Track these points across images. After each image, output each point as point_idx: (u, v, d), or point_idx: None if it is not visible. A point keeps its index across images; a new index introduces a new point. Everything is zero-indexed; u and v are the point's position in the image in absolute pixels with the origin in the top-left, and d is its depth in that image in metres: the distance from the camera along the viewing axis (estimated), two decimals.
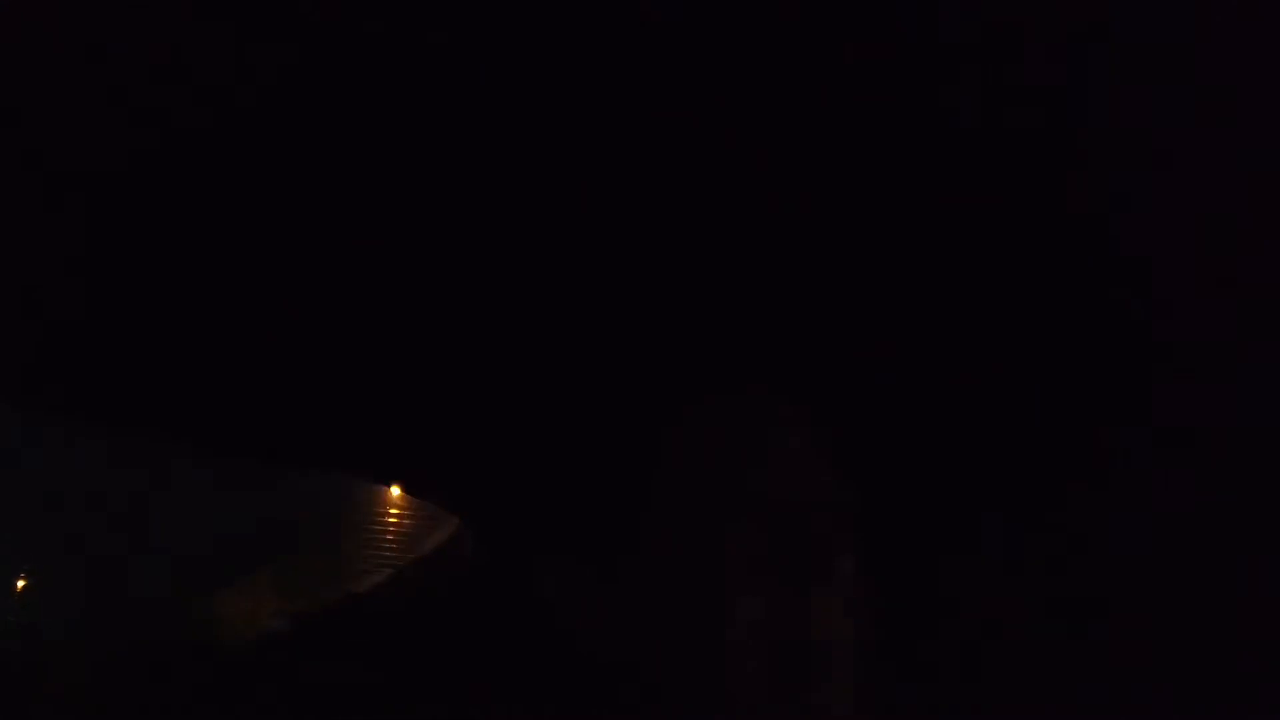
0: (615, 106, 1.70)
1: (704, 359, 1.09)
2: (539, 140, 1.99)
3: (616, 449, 1.09)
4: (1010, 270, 1.88)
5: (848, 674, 0.92)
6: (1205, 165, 1.50)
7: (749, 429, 0.96)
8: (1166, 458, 2.20)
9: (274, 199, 2.44)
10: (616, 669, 1.01)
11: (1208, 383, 1.97)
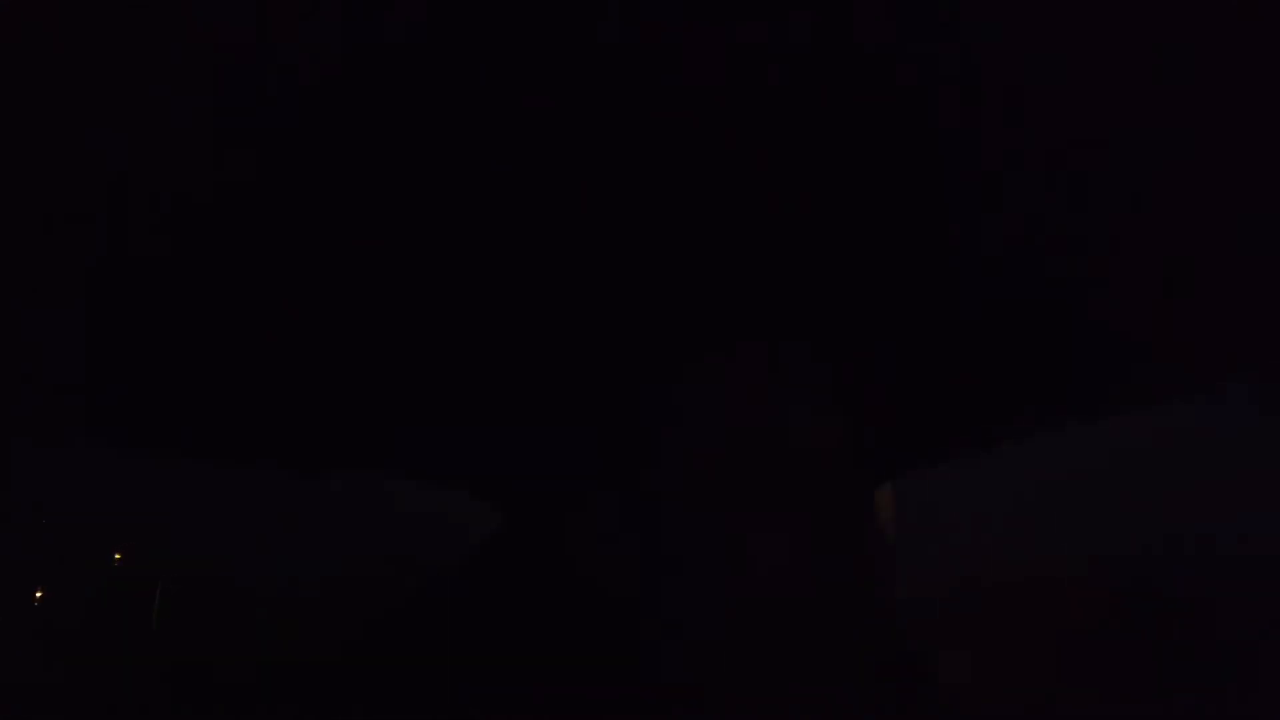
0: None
1: (714, 308, 1.03)
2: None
3: (631, 400, 1.03)
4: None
5: (860, 617, 0.85)
6: None
7: (764, 376, 0.89)
8: None
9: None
10: (638, 611, 0.95)
11: None
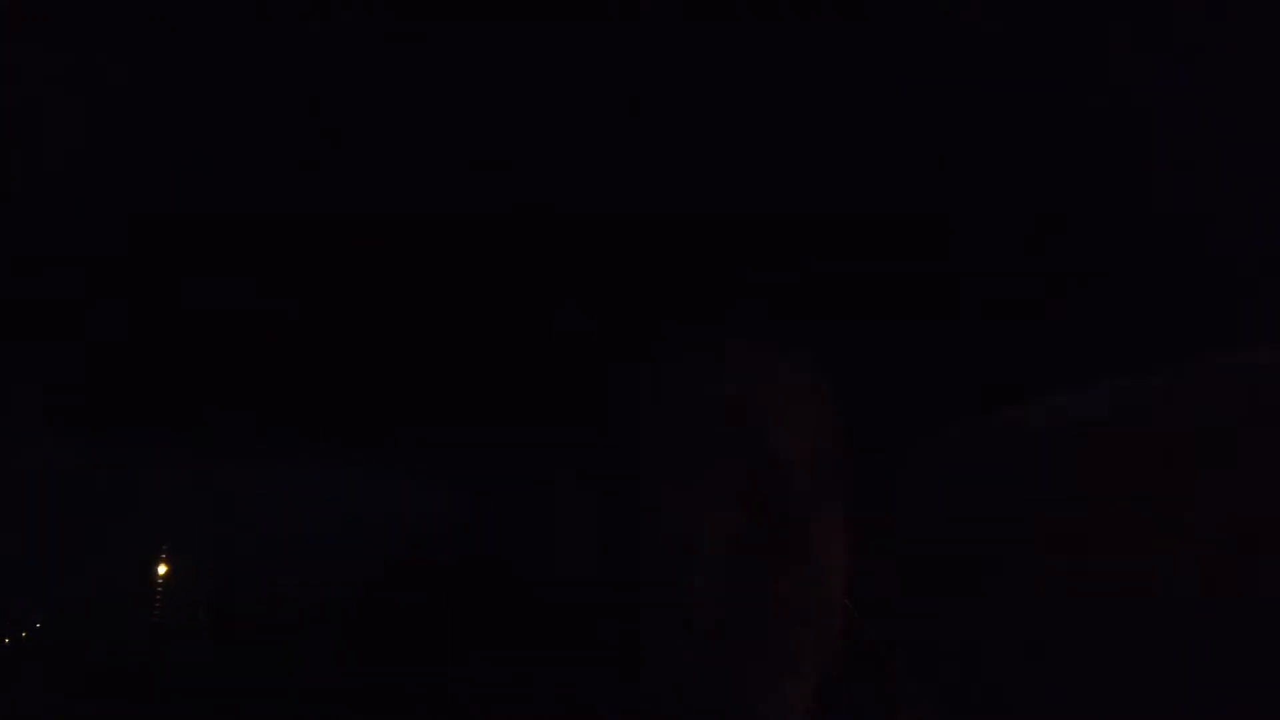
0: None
1: (690, 293, 1.06)
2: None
3: (601, 389, 1.06)
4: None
5: (823, 636, 0.88)
6: None
7: (736, 376, 0.91)
8: None
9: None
10: (606, 612, 0.98)
11: None
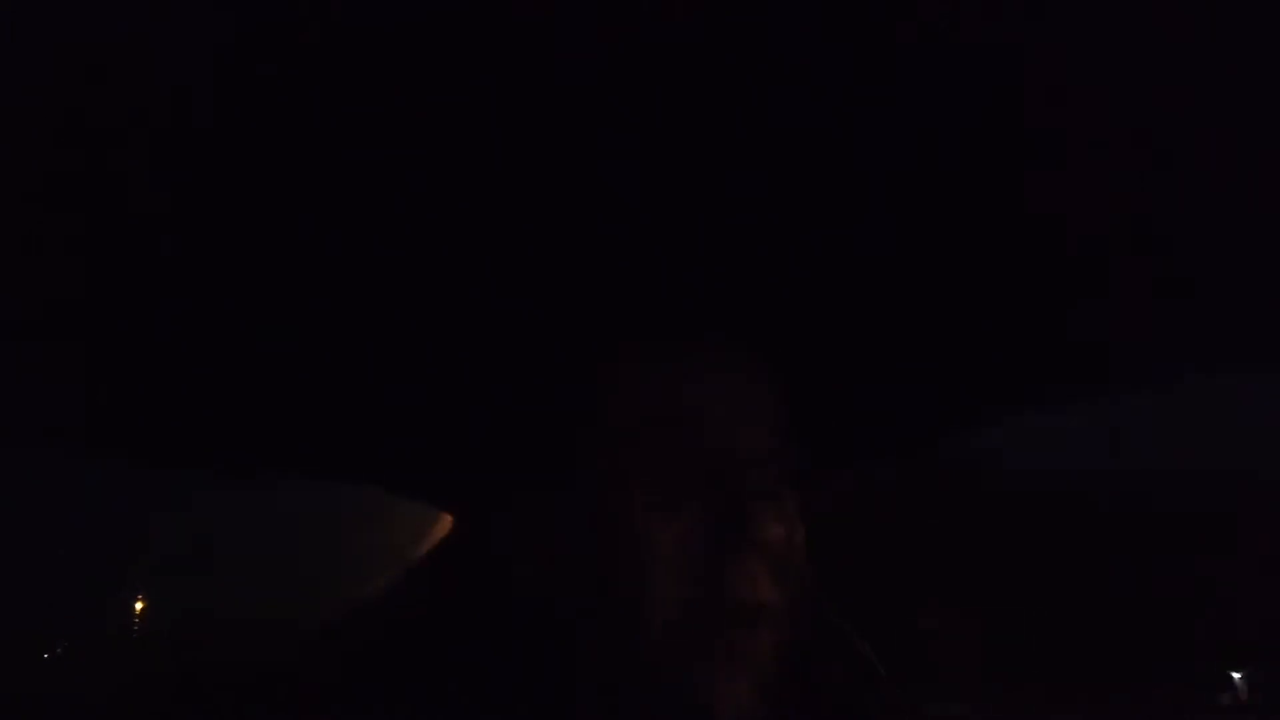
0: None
1: (642, 297, 1.07)
2: None
3: (551, 395, 1.07)
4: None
5: (776, 636, 0.89)
6: None
7: (690, 375, 0.93)
8: None
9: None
10: (561, 620, 0.99)
11: None
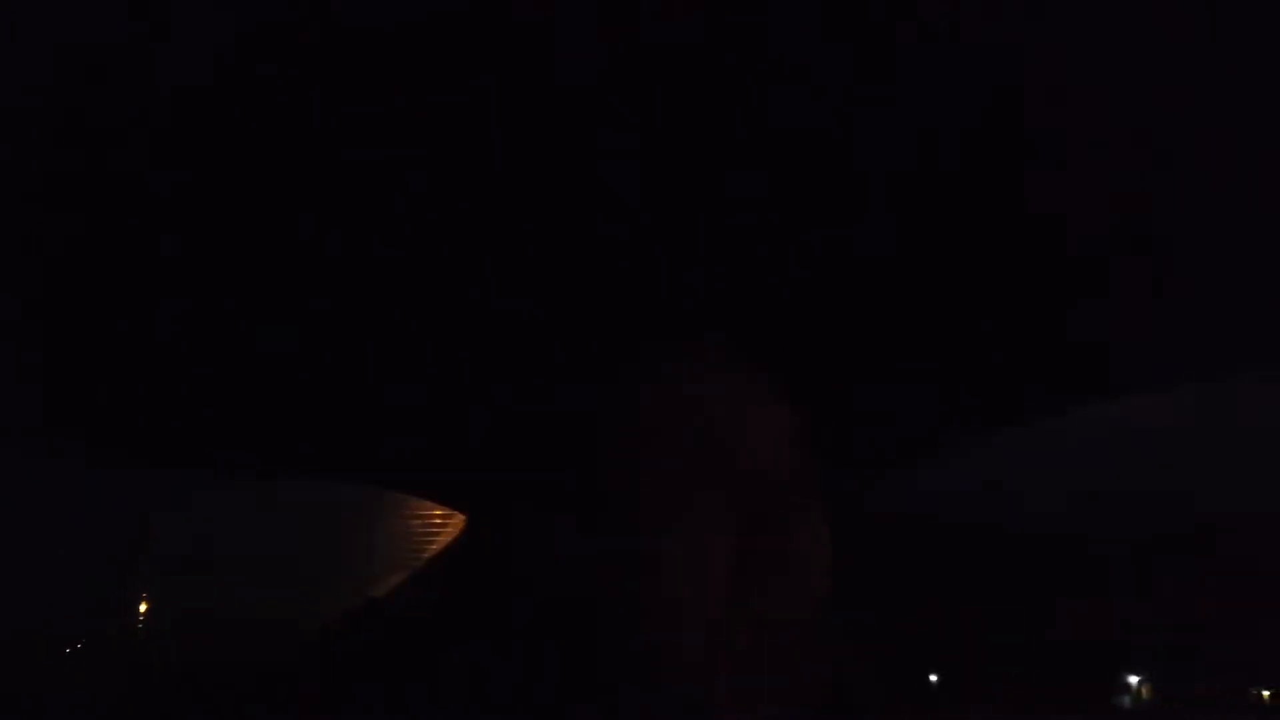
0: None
1: (674, 320, 1.07)
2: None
3: (552, 396, 1.07)
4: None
5: (801, 647, 0.90)
6: None
7: (723, 397, 0.94)
8: None
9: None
10: (583, 615, 0.99)
11: None
